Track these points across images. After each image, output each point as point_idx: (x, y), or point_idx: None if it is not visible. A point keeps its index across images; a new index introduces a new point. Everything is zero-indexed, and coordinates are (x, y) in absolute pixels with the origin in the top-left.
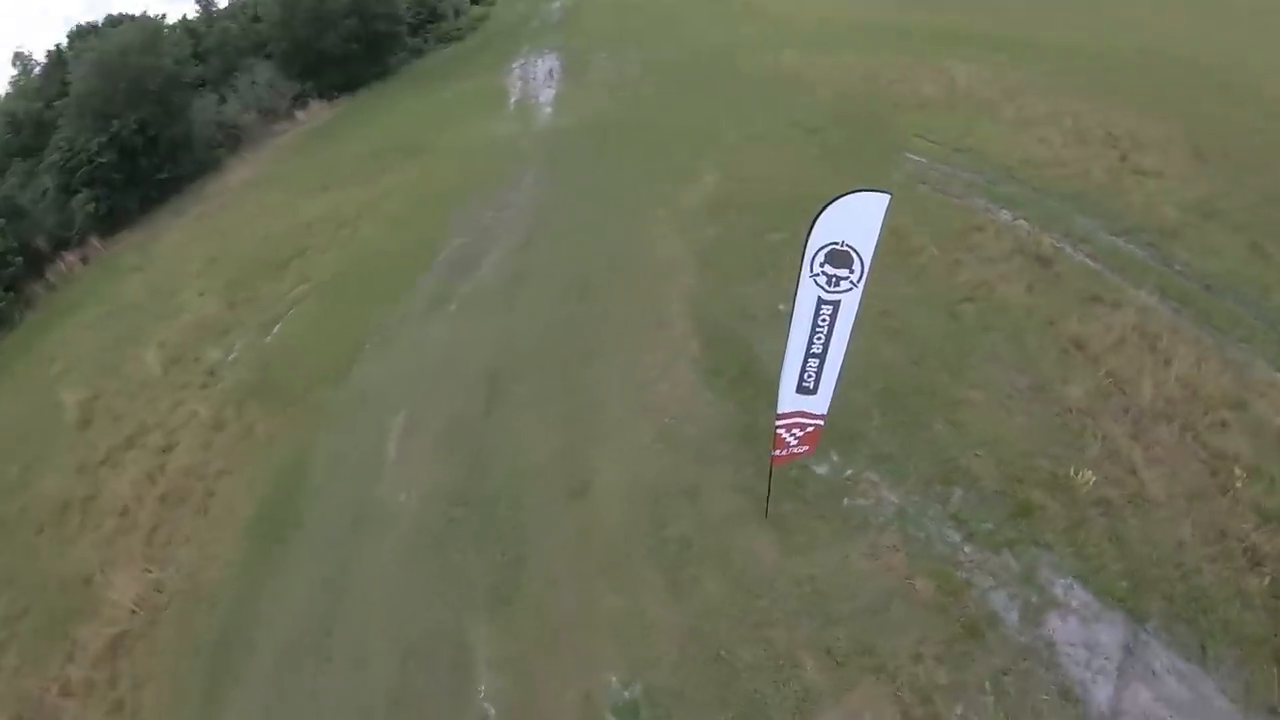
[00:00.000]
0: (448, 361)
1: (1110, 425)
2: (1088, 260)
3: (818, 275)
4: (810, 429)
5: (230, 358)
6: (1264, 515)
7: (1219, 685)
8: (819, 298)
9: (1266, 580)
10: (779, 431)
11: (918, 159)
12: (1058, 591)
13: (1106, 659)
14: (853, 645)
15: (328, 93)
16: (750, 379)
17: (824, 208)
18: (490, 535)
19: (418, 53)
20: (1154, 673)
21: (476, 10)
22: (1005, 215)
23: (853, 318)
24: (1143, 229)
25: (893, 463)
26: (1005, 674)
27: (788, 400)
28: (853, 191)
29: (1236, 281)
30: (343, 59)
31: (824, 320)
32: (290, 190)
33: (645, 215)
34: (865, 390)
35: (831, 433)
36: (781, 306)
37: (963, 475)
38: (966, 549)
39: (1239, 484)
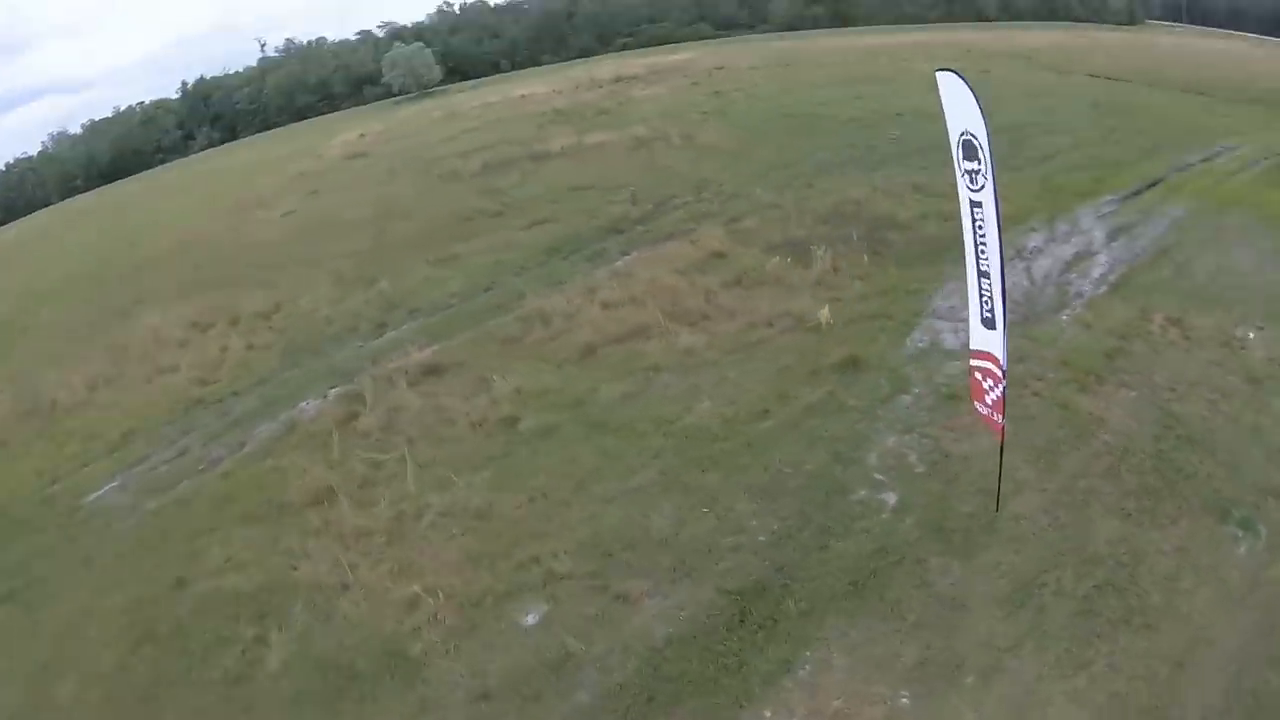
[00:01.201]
0: None
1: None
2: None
3: (963, 176)
4: (998, 393)
5: None
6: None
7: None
8: (969, 199)
9: None
10: (975, 375)
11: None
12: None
13: None
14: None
15: None
16: None
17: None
18: None
19: None
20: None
21: None
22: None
23: (997, 223)
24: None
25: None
26: None
27: (977, 336)
28: (938, 74)
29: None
30: None
31: (979, 226)
32: None
33: None
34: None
35: None
36: None
37: None
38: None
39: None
